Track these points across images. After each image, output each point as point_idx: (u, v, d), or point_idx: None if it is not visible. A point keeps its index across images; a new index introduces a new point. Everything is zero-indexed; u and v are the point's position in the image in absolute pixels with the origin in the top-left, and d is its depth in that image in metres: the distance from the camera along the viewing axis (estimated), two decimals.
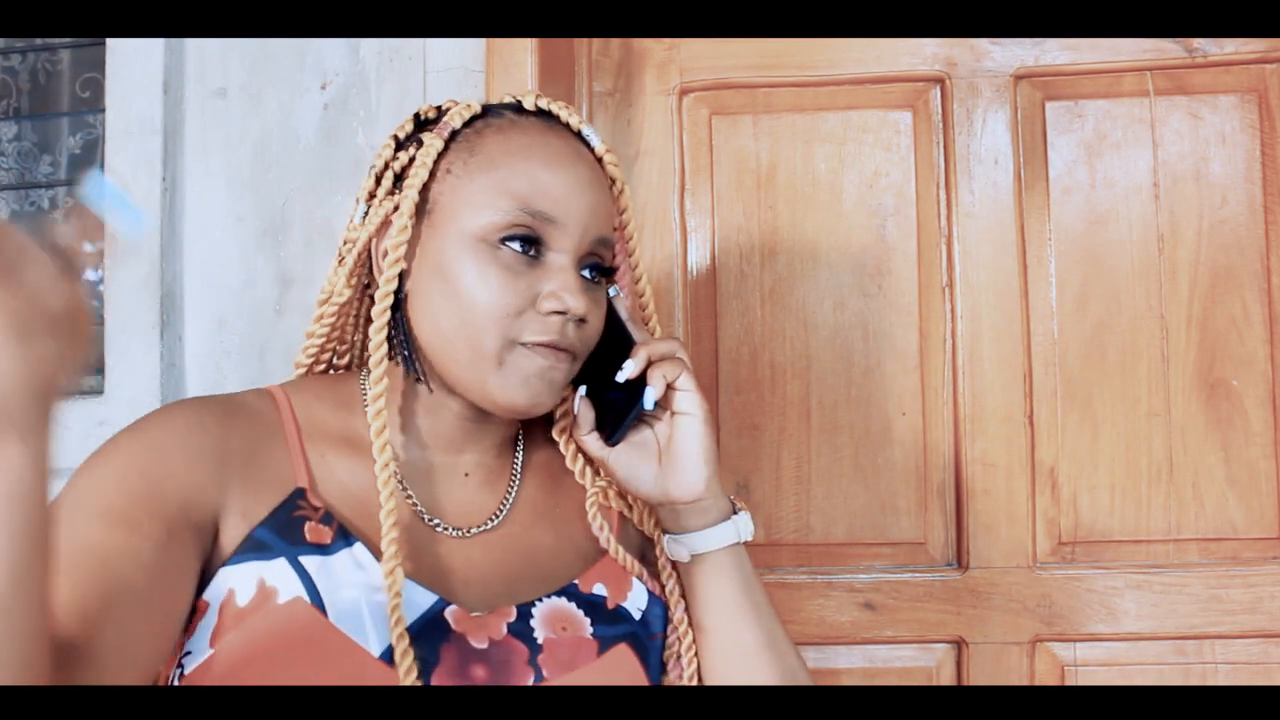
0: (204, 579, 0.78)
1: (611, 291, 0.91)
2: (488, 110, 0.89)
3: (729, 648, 0.91)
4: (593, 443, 0.91)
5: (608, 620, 0.87)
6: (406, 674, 0.76)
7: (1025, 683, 1.37)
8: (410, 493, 0.88)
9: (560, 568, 0.90)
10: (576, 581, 0.88)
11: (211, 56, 1.40)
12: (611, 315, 0.91)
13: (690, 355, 1.41)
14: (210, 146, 1.39)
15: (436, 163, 0.85)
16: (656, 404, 0.88)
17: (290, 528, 0.80)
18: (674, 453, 0.89)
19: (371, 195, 0.88)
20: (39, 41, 1.53)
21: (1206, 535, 1.38)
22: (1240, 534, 1.38)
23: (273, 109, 1.39)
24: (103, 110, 1.43)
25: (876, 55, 1.43)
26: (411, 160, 0.87)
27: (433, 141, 0.85)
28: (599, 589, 0.89)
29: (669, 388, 0.89)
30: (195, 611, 0.78)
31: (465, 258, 0.83)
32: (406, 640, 0.76)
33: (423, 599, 0.81)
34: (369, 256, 0.88)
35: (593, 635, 0.85)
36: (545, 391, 0.85)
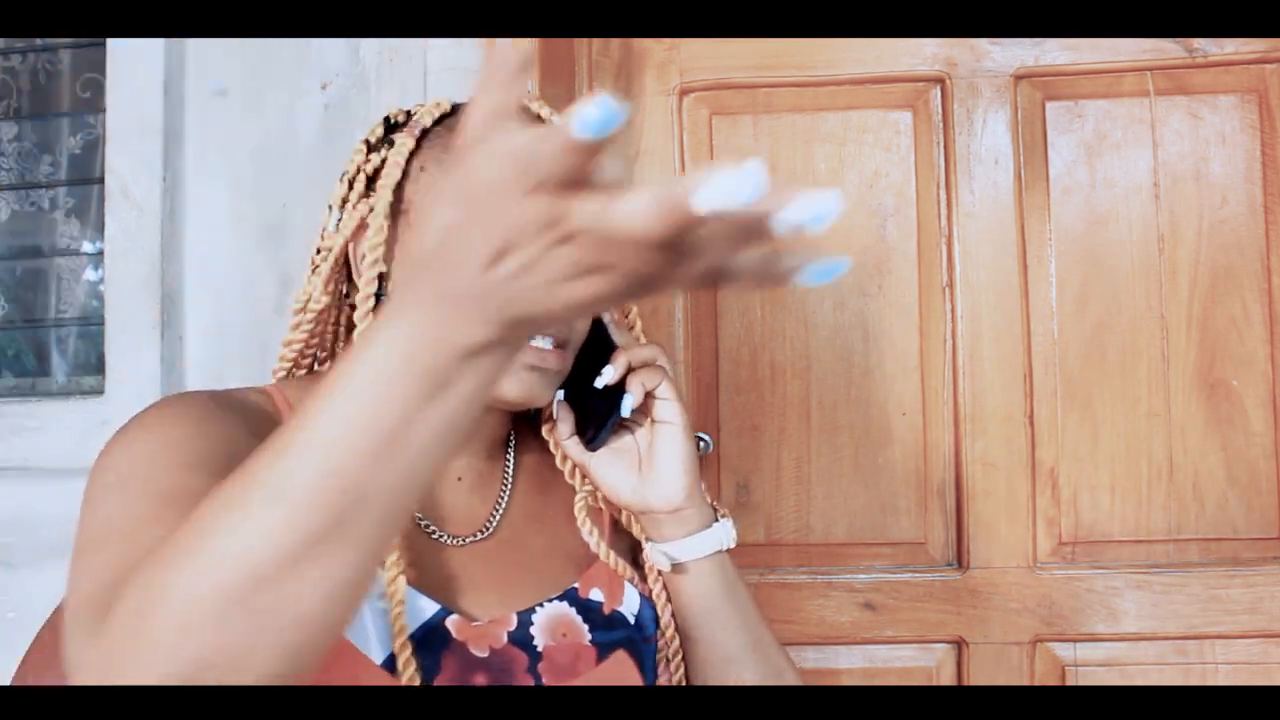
0: None
1: None
2: (458, 108, 0.88)
3: (713, 653, 0.91)
4: (573, 447, 0.91)
5: (605, 626, 0.87)
6: (409, 683, 0.75)
7: (1025, 683, 1.37)
8: None
9: (554, 572, 0.89)
10: (576, 585, 0.88)
11: (212, 57, 1.40)
12: (594, 318, 0.90)
13: (690, 355, 1.42)
14: (211, 147, 1.40)
15: (409, 162, 0.84)
16: (637, 411, 0.88)
17: None
18: (654, 461, 0.89)
19: (345, 200, 0.87)
20: (39, 42, 1.53)
21: (1207, 535, 1.38)
22: (1240, 534, 1.37)
23: (273, 109, 1.39)
24: (103, 110, 1.43)
25: (876, 55, 1.43)
26: (384, 162, 0.85)
27: (404, 141, 0.84)
28: (596, 594, 0.88)
29: (649, 395, 0.88)
30: None
31: None
32: (409, 649, 0.76)
33: (425, 607, 0.80)
34: (346, 262, 0.88)
35: (591, 642, 0.85)
36: (539, 384, 0.84)
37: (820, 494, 1.41)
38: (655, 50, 1.45)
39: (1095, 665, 1.37)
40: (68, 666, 0.57)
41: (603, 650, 0.85)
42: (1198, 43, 1.39)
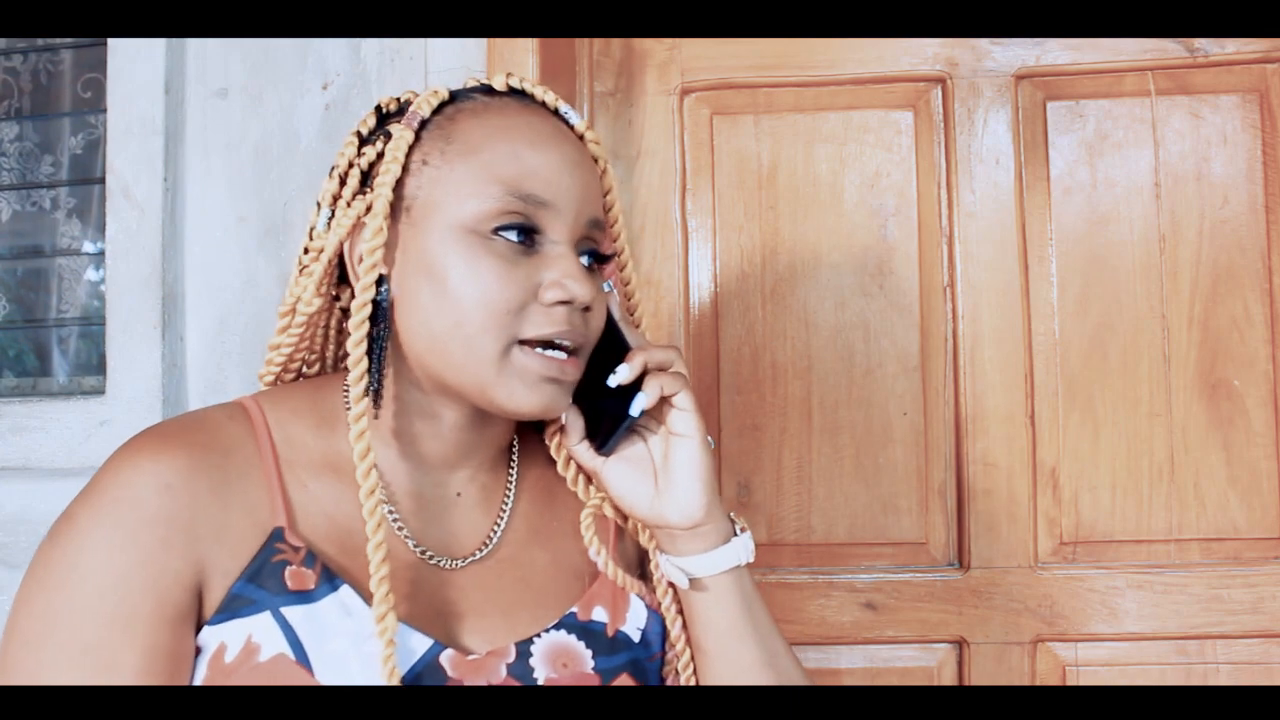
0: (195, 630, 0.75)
1: (605, 287, 0.85)
2: (456, 95, 0.82)
3: (728, 667, 0.87)
4: (584, 452, 0.86)
5: (608, 650, 0.83)
6: None
7: (1026, 683, 1.37)
8: (398, 519, 0.82)
9: (558, 590, 0.85)
10: (575, 609, 0.84)
11: (213, 57, 1.40)
12: (607, 317, 0.85)
13: (691, 356, 1.42)
14: (211, 147, 1.40)
15: (409, 155, 0.79)
16: (651, 418, 0.84)
17: (270, 575, 0.75)
18: (670, 475, 0.84)
19: (336, 197, 0.82)
20: (40, 42, 1.53)
21: (1208, 535, 1.38)
22: (1241, 534, 1.37)
23: (274, 109, 1.39)
24: (104, 110, 1.43)
25: (878, 55, 1.43)
26: (380, 156, 0.80)
27: (402, 133, 0.78)
28: (599, 614, 0.85)
29: (666, 403, 0.83)
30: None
31: (455, 252, 0.76)
32: None
33: (417, 644, 0.77)
34: (338, 263, 0.83)
35: (594, 669, 0.82)
36: (556, 394, 0.79)
37: (821, 494, 1.41)
38: (656, 50, 1.45)
39: (1096, 665, 1.37)
40: None
41: (606, 677, 0.82)
42: (1199, 43, 1.39)
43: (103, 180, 1.43)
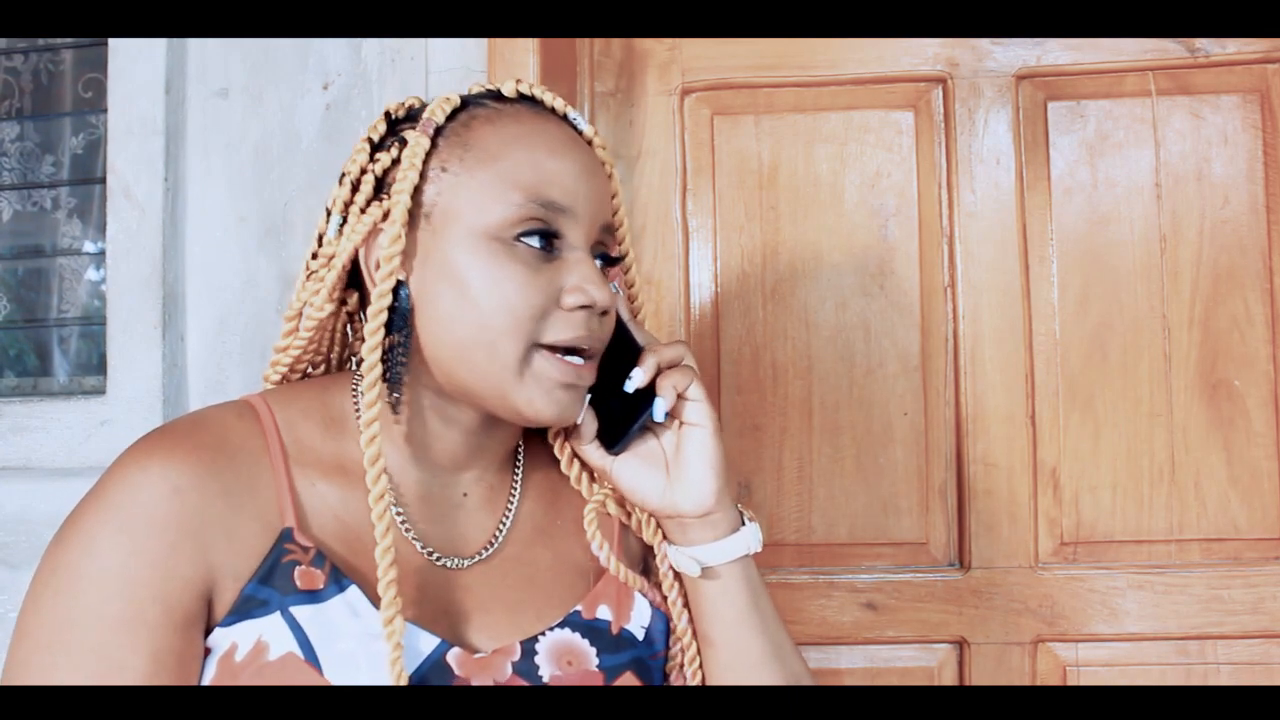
0: (205, 631, 0.76)
1: (611, 288, 0.85)
2: (467, 101, 0.83)
3: (735, 659, 0.88)
4: (594, 452, 0.87)
5: (612, 648, 0.84)
6: None
7: (1027, 683, 1.37)
8: (405, 520, 0.83)
9: (562, 589, 0.86)
10: (580, 608, 0.85)
11: (213, 57, 1.40)
12: (616, 318, 0.87)
13: (692, 356, 1.42)
14: (212, 147, 1.40)
15: (425, 162, 0.79)
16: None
17: (280, 575, 0.75)
18: (682, 465, 0.86)
19: (348, 204, 0.82)
20: (41, 42, 1.53)
21: (1208, 535, 1.38)
22: (1242, 534, 1.37)
23: (274, 109, 1.39)
24: (105, 110, 1.43)
25: (878, 55, 1.43)
26: (395, 162, 0.80)
27: (419, 140, 0.79)
28: (603, 612, 0.86)
29: (679, 395, 0.85)
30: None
31: (479, 258, 0.77)
32: None
33: (424, 644, 0.78)
34: (350, 269, 0.83)
35: (598, 667, 0.83)
36: (573, 402, 0.81)
37: (822, 494, 1.41)
38: (657, 50, 1.45)
39: (1097, 665, 1.37)
40: None
41: (610, 675, 0.83)
42: (1199, 43, 1.39)
43: (103, 180, 1.43)
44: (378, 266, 0.79)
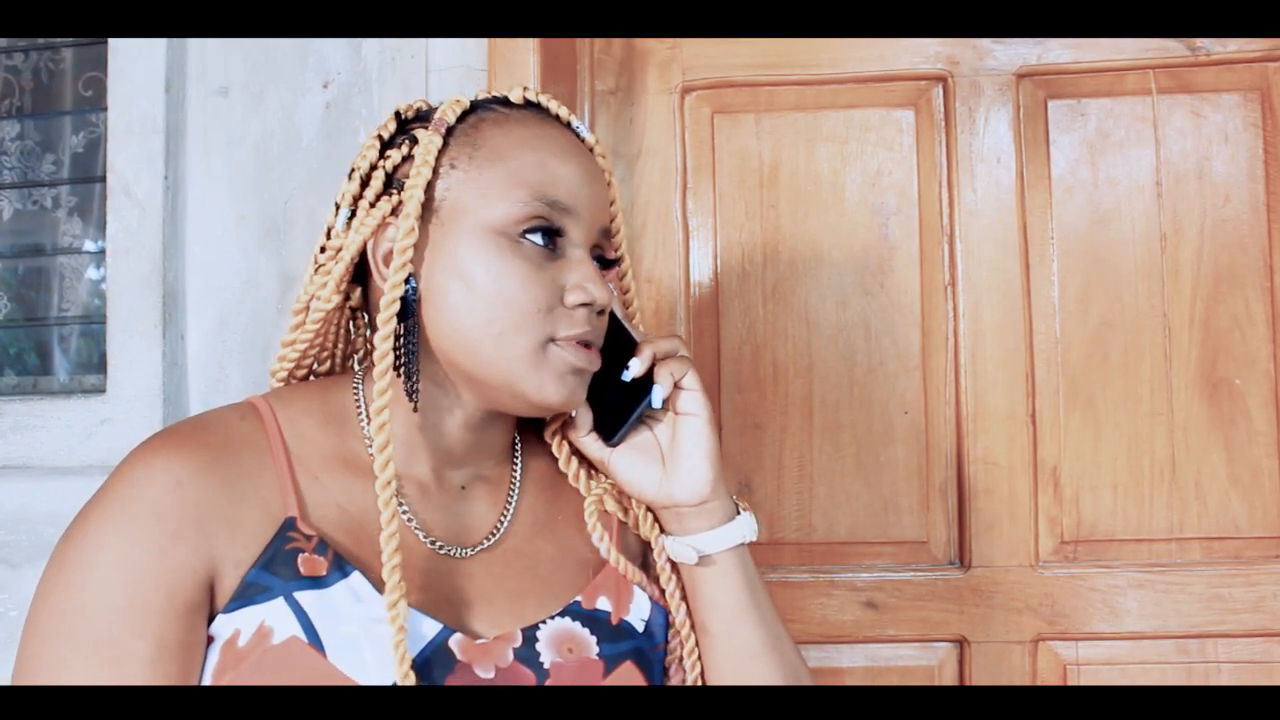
0: (209, 619, 0.77)
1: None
2: (476, 104, 0.86)
3: (734, 649, 0.90)
4: (591, 444, 0.90)
5: (612, 638, 0.86)
6: None
7: (1027, 682, 1.37)
8: (408, 511, 0.85)
9: (563, 580, 0.88)
10: (580, 599, 0.87)
11: (213, 56, 1.40)
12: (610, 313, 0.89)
13: (692, 354, 1.41)
14: (212, 146, 1.40)
15: (436, 159, 0.82)
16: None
17: (283, 562, 0.77)
18: (678, 454, 0.88)
19: (357, 198, 0.85)
20: (41, 41, 1.53)
21: (1209, 534, 1.38)
22: (1243, 533, 1.37)
23: (275, 108, 1.39)
24: (105, 109, 1.43)
25: (879, 54, 1.43)
26: (406, 159, 0.84)
27: (431, 138, 0.82)
28: (603, 603, 0.87)
29: (675, 386, 0.88)
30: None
31: (486, 253, 0.80)
32: (412, 677, 0.75)
33: (427, 628, 0.79)
34: (355, 264, 0.85)
35: (599, 655, 0.84)
36: (579, 388, 0.84)
37: (822, 493, 1.41)
38: (657, 49, 1.45)
39: (1097, 664, 1.37)
40: None
41: (610, 663, 0.84)
42: (1200, 41, 1.39)
43: (103, 179, 1.43)
44: (387, 259, 0.82)
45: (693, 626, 0.91)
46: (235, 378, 1.37)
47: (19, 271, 1.55)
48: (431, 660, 0.78)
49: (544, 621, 0.84)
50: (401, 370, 0.82)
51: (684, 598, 0.91)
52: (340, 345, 0.92)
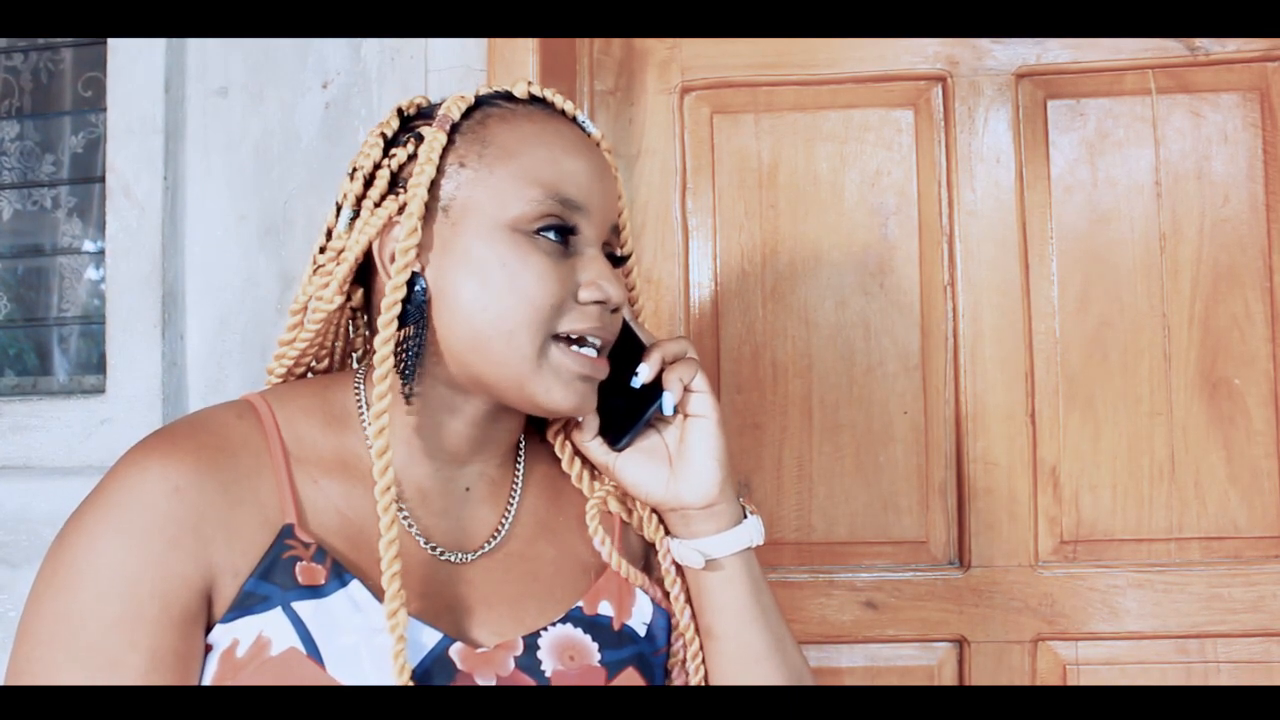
0: (206, 628, 0.76)
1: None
2: (481, 100, 0.85)
3: (738, 652, 0.89)
4: (597, 448, 0.89)
5: (614, 644, 0.85)
6: None
7: (1027, 682, 1.37)
8: (408, 515, 0.84)
9: (564, 584, 0.87)
10: (581, 604, 0.86)
11: (213, 56, 1.40)
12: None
13: None
14: (212, 146, 1.39)
15: (442, 158, 0.81)
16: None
17: (281, 571, 0.76)
18: (686, 456, 0.87)
19: (360, 198, 0.83)
20: (41, 41, 1.53)
21: (1208, 534, 1.38)
22: (1242, 533, 1.37)
23: (274, 108, 1.39)
24: (104, 109, 1.43)
25: (878, 54, 1.43)
26: (411, 158, 0.82)
27: (436, 136, 0.80)
28: (604, 608, 0.86)
29: (683, 389, 0.87)
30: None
31: (501, 250, 0.79)
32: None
33: (427, 638, 0.78)
34: (363, 262, 0.84)
35: (600, 662, 0.83)
36: (589, 394, 0.83)
37: (822, 493, 1.41)
38: (656, 49, 1.45)
39: (1097, 664, 1.38)
40: None
41: (613, 670, 0.83)
42: (1199, 41, 1.39)
43: (103, 179, 1.43)
44: (394, 258, 0.80)
45: (697, 629, 0.90)
46: (235, 378, 1.37)
47: (19, 272, 1.55)
48: (432, 670, 0.77)
49: (545, 629, 0.83)
50: (401, 370, 0.81)
51: (688, 600, 0.91)
52: (340, 343, 0.91)
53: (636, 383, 0.86)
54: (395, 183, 0.83)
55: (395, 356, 0.80)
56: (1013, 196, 1.41)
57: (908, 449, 1.41)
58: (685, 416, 0.88)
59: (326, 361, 0.92)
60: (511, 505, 0.89)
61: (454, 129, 0.82)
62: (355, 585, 0.77)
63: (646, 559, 0.94)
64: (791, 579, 1.40)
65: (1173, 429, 1.38)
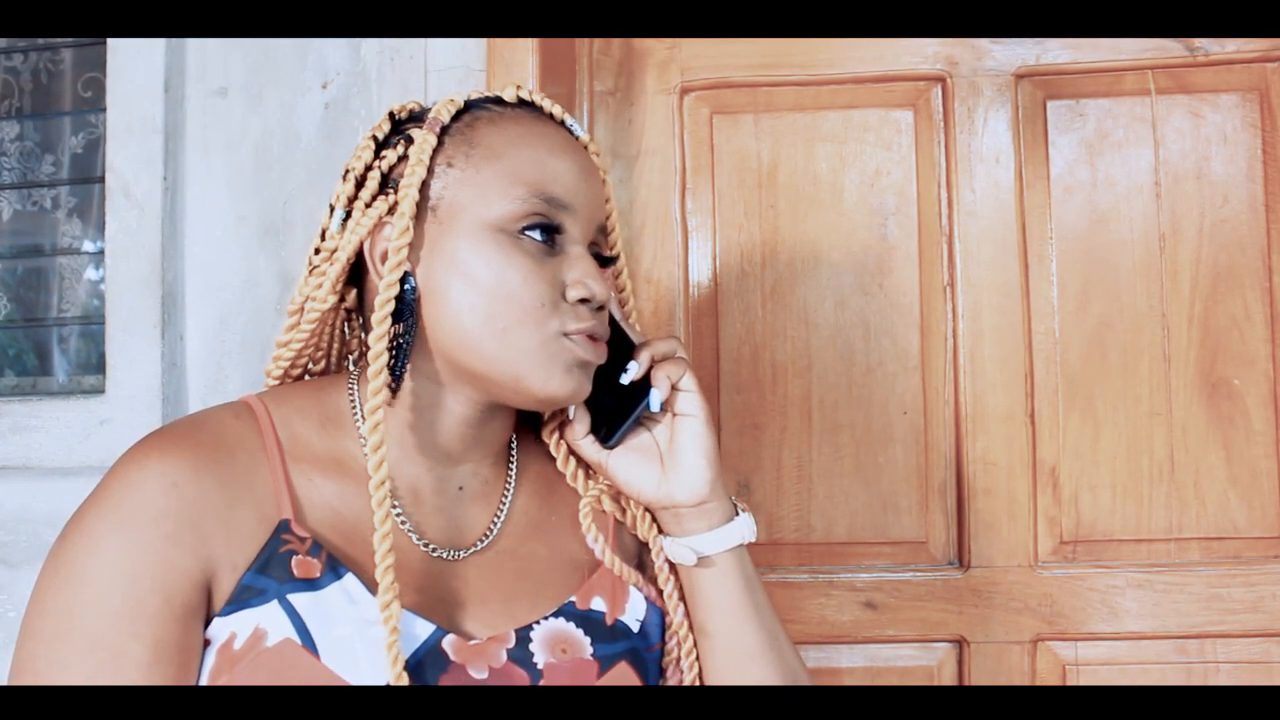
0: (205, 623, 0.77)
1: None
2: (470, 104, 0.86)
3: (732, 650, 0.90)
4: (588, 446, 0.90)
5: (607, 638, 0.85)
6: None
7: (1026, 682, 1.37)
8: (402, 513, 0.85)
9: (557, 581, 0.88)
10: (574, 599, 0.86)
11: (213, 56, 1.40)
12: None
13: (691, 355, 1.42)
14: (211, 146, 1.40)
15: (432, 159, 0.82)
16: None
17: (278, 565, 0.77)
18: (676, 455, 0.88)
19: (352, 199, 0.85)
20: (41, 41, 1.53)
21: (1208, 534, 1.38)
22: (1242, 533, 1.37)
23: (274, 108, 1.39)
24: (104, 110, 1.43)
25: (878, 54, 1.43)
26: (401, 159, 0.83)
27: (426, 138, 0.82)
28: (597, 603, 0.87)
29: (672, 387, 0.88)
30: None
31: (486, 249, 0.80)
32: (405, 678, 0.75)
33: (420, 630, 0.79)
34: (351, 265, 0.85)
35: (593, 656, 0.84)
36: (585, 381, 0.84)
37: (821, 493, 1.41)
38: (656, 49, 1.45)
39: (1096, 664, 1.37)
40: None
41: (605, 664, 0.84)
42: (1199, 42, 1.39)
43: (103, 179, 1.43)
44: (384, 259, 0.82)
45: (690, 627, 0.91)
46: (234, 378, 1.37)
47: (18, 272, 1.55)
48: (425, 661, 0.78)
49: (537, 622, 0.84)
50: (391, 367, 0.82)
51: (682, 598, 0.91)
52: (335, 345, 0.92)
53: (626, 379, 0.87)
54: (386, 184, 0.84)
55: (389, 355, 0.81)
56: (1012, 197, 1.41)
57: (907, 449, 1.41)
58: (674, 415, 0.89)
59: (323, 364, 0.93)
60: (504, 504, 0.90)
61: (443, 131, 0.83)
62: (350, 578, 0.78)
63: (640, 558, 0.95)
64: (791, 579, 1.40)
65: (1172, 429, 1.38)
